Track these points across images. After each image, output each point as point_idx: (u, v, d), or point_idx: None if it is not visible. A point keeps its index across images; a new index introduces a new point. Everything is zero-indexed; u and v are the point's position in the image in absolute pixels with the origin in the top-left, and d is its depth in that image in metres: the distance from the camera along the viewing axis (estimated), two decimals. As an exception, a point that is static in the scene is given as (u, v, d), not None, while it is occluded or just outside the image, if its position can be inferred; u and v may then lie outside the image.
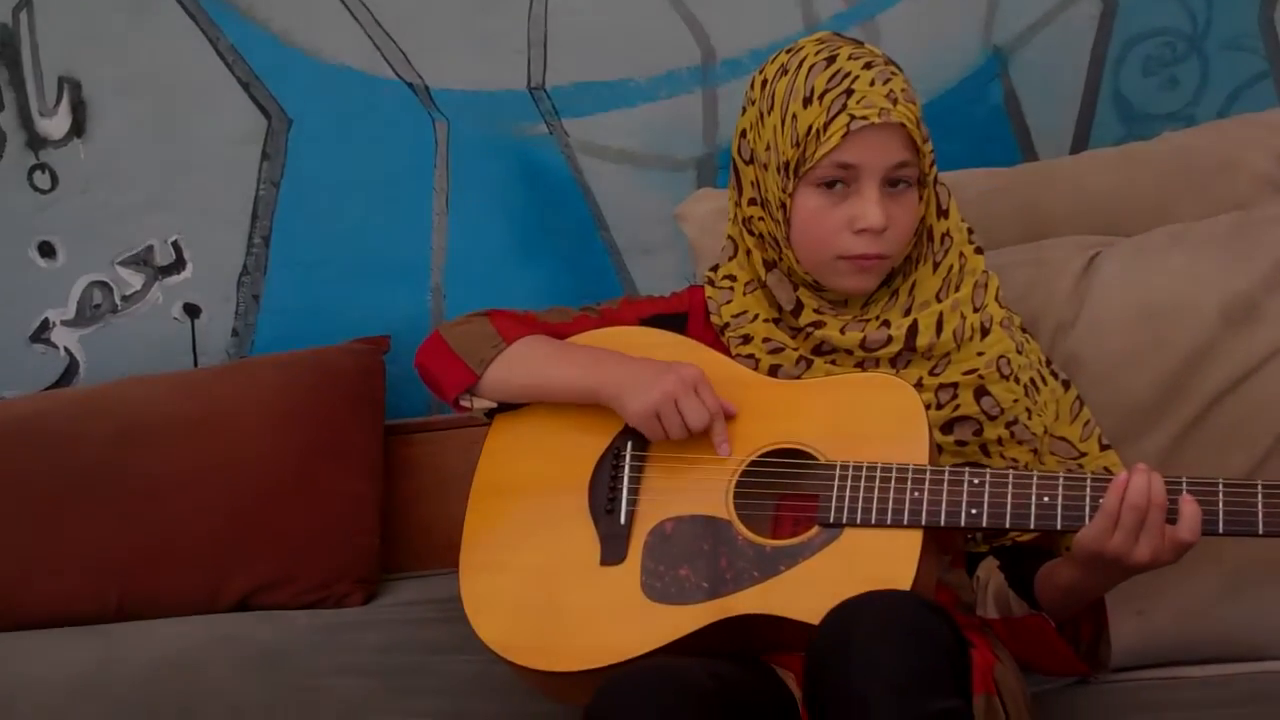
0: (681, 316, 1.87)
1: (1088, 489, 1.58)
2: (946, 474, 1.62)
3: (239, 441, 2.28)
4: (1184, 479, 1.56)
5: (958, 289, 1.77)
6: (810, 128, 1.70)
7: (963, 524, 1.60)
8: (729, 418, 1.71)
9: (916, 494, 1.61)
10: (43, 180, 2.46)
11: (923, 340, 1.73)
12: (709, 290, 1.85)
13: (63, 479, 2.28)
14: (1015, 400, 1.75)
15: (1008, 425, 1.74)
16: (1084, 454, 1.80)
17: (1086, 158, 2.18)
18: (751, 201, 1.79)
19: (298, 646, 2.07)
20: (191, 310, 2.48)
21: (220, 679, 2.00)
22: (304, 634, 2.11)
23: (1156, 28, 2.29)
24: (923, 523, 1.60)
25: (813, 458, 1.67)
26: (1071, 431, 1.82)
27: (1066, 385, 1.85)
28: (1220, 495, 1.55)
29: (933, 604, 1.52)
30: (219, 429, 2.29)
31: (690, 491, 1.70)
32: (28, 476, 2.29)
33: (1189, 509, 1.54)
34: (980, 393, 1.74)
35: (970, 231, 1.82)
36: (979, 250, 1.81)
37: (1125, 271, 1.97)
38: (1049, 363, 1.86)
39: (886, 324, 1.75)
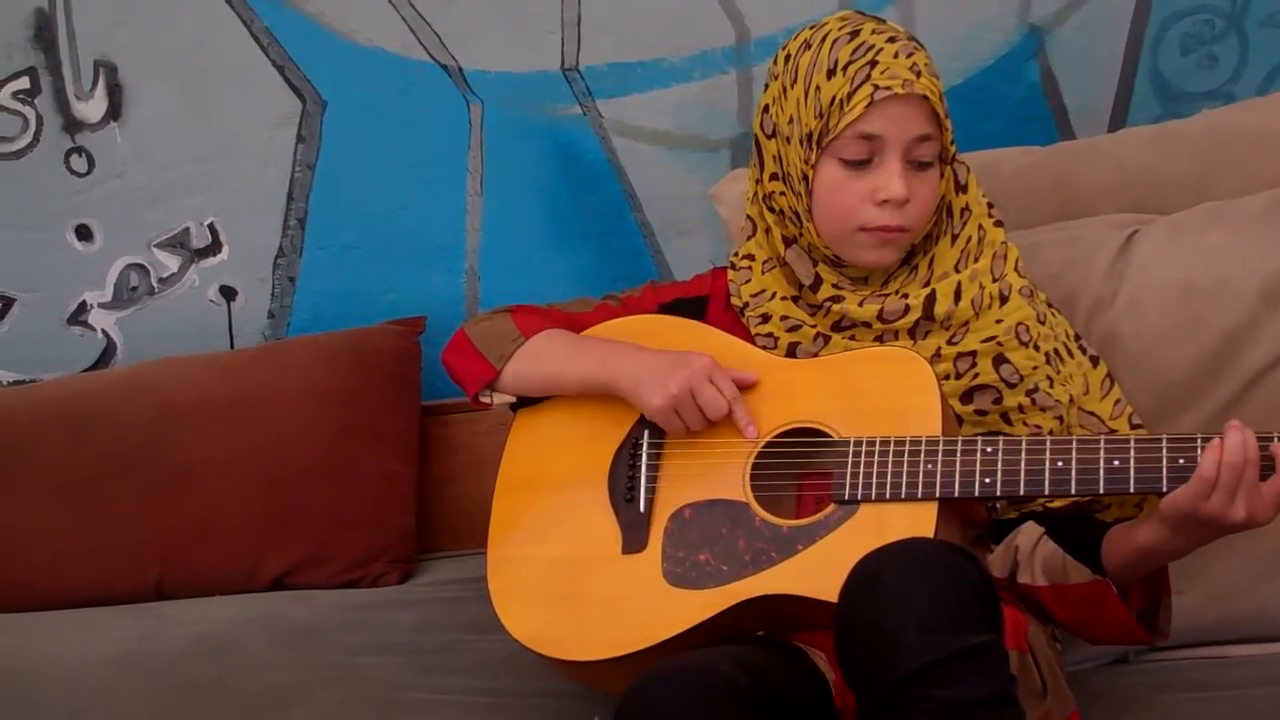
0: (702, 300, 1.88)
1: (1101, 453, 1.56)
2: (959, 444, 1.61)
3: (275, 422, 2.29)
4: (1274, 433, 1.53)
5: (976, 260, 1.77)
6: (834, 98, 1.70)
7: (977, 493, 1.59)
8: (747, 388, 1.71)
9: (930, 466, 1.60)
10: (79, 164, 2.47)
11: (940, 308, 1.73)
12: (730, 273, 1.86)
13: (101, 460, 2.30)
14: (1035, 367, 1.74)
15: (1028, 393, 1.73)
16: (1113, 431, 1.79)
17: (1124, 135, 2.17)
18: (773, 177, 1.79)
19: (332, 625, 2.09)
20: (228, 292, 2.50)
21: (256, 657, 2.02)
22: (339, 613, 2.12)
23: (1195, 5, 2.27)
24: (937, 494, 1.59)
25: (827, 435, 1.67)
26: (1102, 408, 1.81)
27: (1095, 361, 1.84)
28: None
29: (960, 547, 1.52)
30: (255, 410, 2.30)
31: (708, 476, 1.71)
32: (66, 457, 2.31)
33: None
34: (999, 360, 1.73)
35: (990, 205, 1.82)
36: (999, 223, 1.81)
37: (1164, 249, 1.95)
38: (1078, 338, 1.85)
39: (905, 296, 1.75)
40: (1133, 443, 1.56)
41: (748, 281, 1.83)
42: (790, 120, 1.75)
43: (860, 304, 1.75)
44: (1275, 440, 1.53)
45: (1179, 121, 2.16)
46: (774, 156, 1.78)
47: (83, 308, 2.51)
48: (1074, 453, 1.57)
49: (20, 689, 2.01)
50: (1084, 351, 1.83)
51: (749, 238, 1.85)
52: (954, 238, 1.78)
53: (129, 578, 2.26)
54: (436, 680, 1.94)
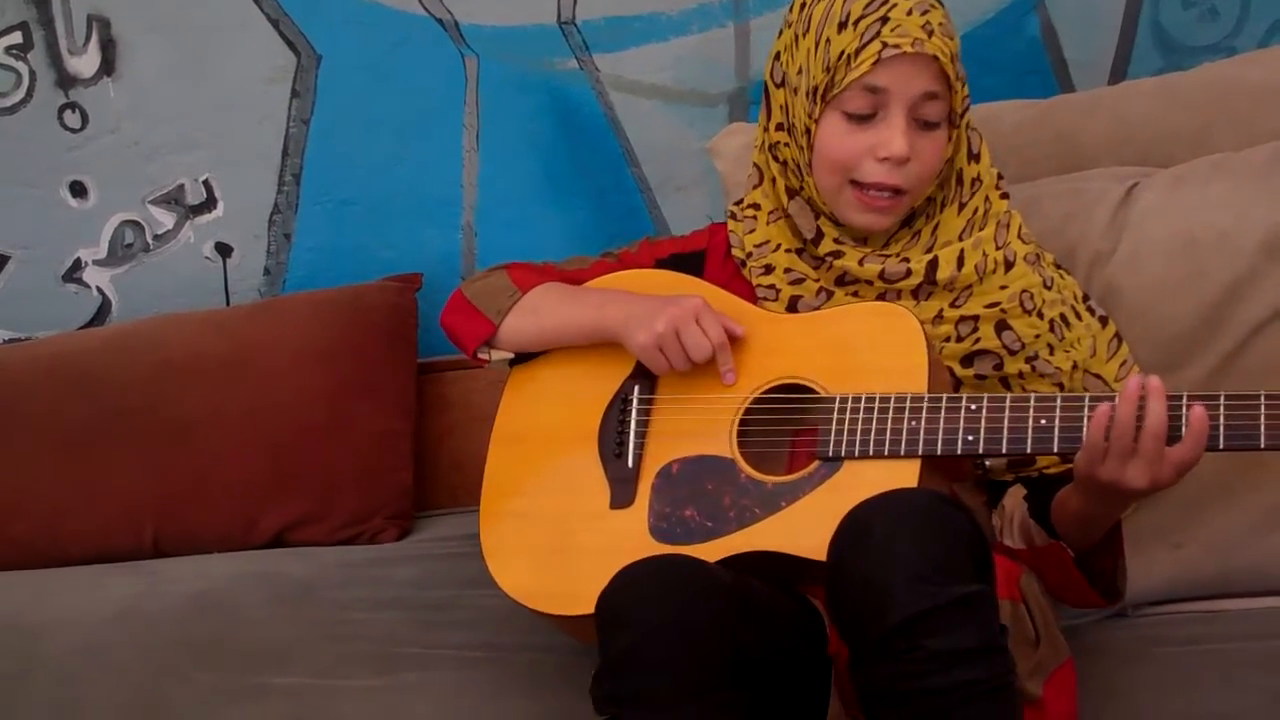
0: (699, 254, 1.87)
1: (1086, 410, 1.55)
2: (944, 401, 1.60)
3: (272, 379, 2.29)
4: (1184, 394, 1.51)
5: (981, 229, 1.76)
6: (842, 53, 1.68)
7: (959, 451, 1.59)
8: (735, 341, 1.71)
9: (914, 423, 1.60)
10: (73, 119, 2.46)
11: (943, 274, 1.72)
12: (731, 224, 1.85)
13: (97, 417, 2.30)
14: (1037, 335, 1.73)
15: (1028, 360, 1.73)
16: (1117, 393, 1.78)
17: (1124, 88, 2.15)
18: (779, 126, 1.78)
19: (330, 581, 2.09)
20: (223, 249, 2.49)
21: (254, 613, 2.02)
22: (336, 569, 2.12)
23: (1197, -43, 2.25)
24: (919, 452, 1.59)
25: (814, 392, 1.67)
26: (1107, 370, 1.80)
27: (1104, 322, 1.83)
28: (1221, 408, 1.50)
29: (949, 498, 1.52)
30: (252, 367, 2.30)
31: (695, 432, 1.70)
32: (63, 415, 2.31)
33: (1198, 426, 1.49)
34: (1001, 326, 1.72)
35: (1000, 177, 1.80)
36: (1005, 195, 1.79)
37: (1164, 202, 1.94)
38: (1086, 299, 1.84)
39: (906, 260, 1.73)
40: (1117, 400, 1.54)
41: (751, 231, 1.82)
42: (799, 71, 1.73)
43: (860, 262, 1.74)
44: (1185, 404, 1.50)
45: (1180, 74, 2.15)
46: (781, 106, 1.77)
47: (78, 265, 2.50)
48: (1058, 411, 1.56)
49: (20, 646, 2.01)
50: (1092, 313, 1.82)
51: (755, 186, 1.84)
52: (961, 206, 1.76)
53: (126, 535, 2.26)
54: (434, 635, 1.94)
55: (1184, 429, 1.50)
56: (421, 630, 1.95)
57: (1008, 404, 1.58)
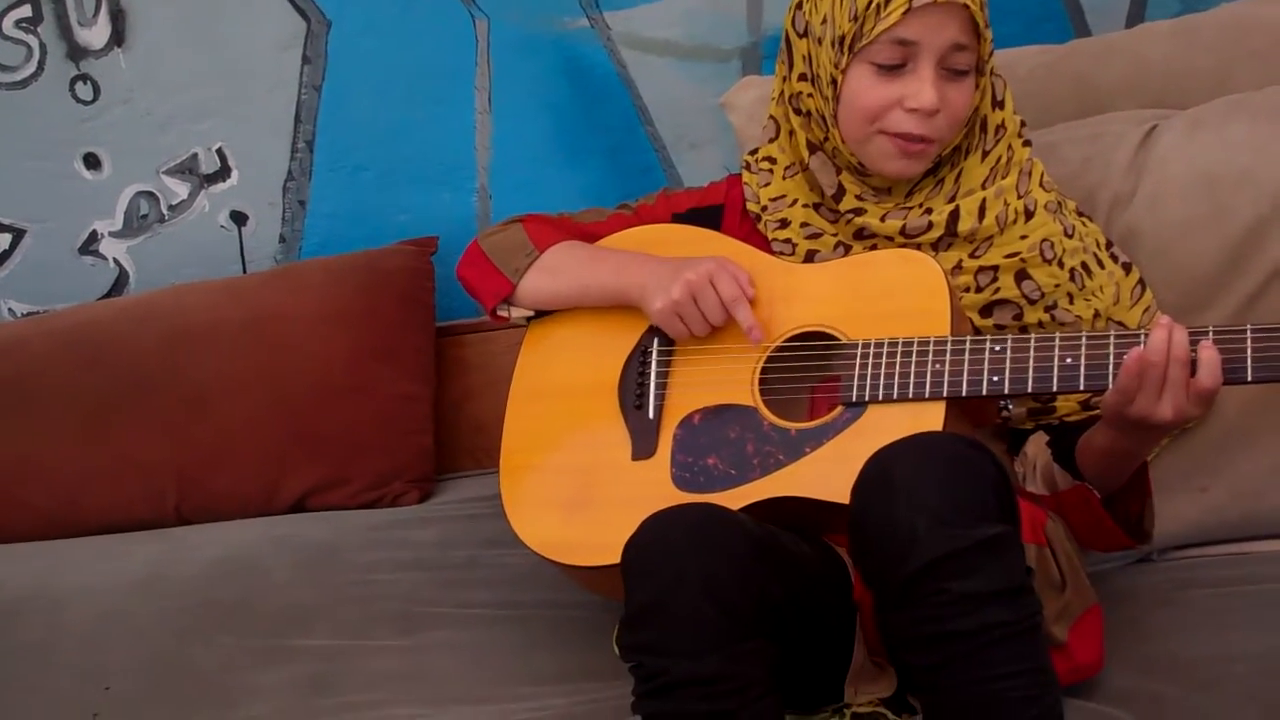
0: (717, 209, 1.86)
1: (1111, 347, 1.54)
2: (968, 343, 1.59)
3: (290, 345, 2.29)
4: (1210, 328, 1.51)
5: (1004, 178, 1.74)
6: (870, 2, 1.66)
7: (984, 392, 1.57)
8: (757, 296, 1.70)
9: (937, 365, 1.59)
10: (85, 91, 2.45)
11: (964, 226, 1.71)
12: (746, 175, 1.83)
13: (117, 387, 2.30)
14: (1057, 285, 1.72)
15: (1047, 309, 1.72)
16: (1142, 332, 1.76)
17: (1142, 30, 2.13)
18: (801, 77, 1.76)
19: (353, 544, 2.09)
20: (238, 217, 2.48)
21: (277, 577, 2.02)
22: (358, 532, 2.13)
23: (1213, -104, 2.22)
24: (944, 394, 1.58)
25: (836, 339, 1.66)
26: (1130, 316, 1.79)
27: (1128, 269, 1.81)
28: (1249, 340, 1.49)
29: (972, 440, 1.51)
30: (270, 334, 2.30)
31: (716, 382, 1.70)
32: (82, 386, 2.31)
33: (1207, 354, 1.48)
34: (1021, 276, 1.71)
35: (1023, 124, 1.78)
36: (1027, 143, 1.78)
37: (1184, 143, 1.92)
38: (1109, 245, 1.82)
39: (929, 211, 1.72)
40: (1143, 337, 1.53)
41: (766, 185, 1.81)
42: (824, 20, 1.71)
43: (882, 219, 1.73)
44: (1207, 336, 1.50)
45: (1197, 15, 2.12)
46: (804, 56, 1.75)
47: (93, 237, 2.51)
48: (1083, 348, 1.55)
49: (44, 615, 2.02)
50: (1115, 260, 1.81)
51: (771, 140, 1.83)
52: (984, 154, 1.75)
53: (149, 503, 2.27)
54: (457, 595, 1.95)
55: (1199, 361, 1.49)
56: (445, 590, 1.96)
57: (1032, 343, 1.57)
